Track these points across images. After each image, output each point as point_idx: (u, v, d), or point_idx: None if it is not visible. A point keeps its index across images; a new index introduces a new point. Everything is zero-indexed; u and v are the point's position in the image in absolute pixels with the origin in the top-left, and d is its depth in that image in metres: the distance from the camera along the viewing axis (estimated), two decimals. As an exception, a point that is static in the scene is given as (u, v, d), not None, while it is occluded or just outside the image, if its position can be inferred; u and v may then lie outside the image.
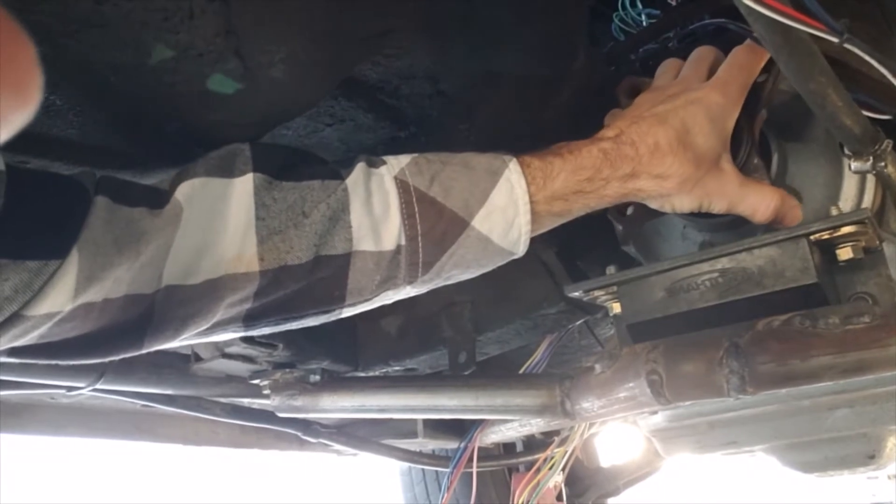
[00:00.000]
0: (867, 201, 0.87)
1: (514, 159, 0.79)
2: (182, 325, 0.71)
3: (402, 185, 0.76)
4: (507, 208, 0.78)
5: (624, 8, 1.04)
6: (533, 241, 0.83)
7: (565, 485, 1.79)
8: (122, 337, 0.68)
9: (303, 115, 0.91)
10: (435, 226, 0.76)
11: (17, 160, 0.82)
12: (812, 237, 0.81)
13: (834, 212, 0.80)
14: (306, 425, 1.58)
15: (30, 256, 0.58)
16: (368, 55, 0.86)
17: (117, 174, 0.89)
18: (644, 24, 1.04)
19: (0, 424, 1.37)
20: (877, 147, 0.78)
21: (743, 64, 0.87)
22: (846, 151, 0.80)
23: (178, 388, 1.30)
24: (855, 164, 0.80)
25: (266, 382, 1.30)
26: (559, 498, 1.77)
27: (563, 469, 1.66)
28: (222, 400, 1.44)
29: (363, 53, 0.84)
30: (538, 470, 1.64)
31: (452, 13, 0.86)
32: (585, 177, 0.80)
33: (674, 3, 1.02)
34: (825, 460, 1.00)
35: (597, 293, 0.95)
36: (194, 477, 3.41)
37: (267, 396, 1.30)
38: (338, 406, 1.25)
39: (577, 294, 0.97)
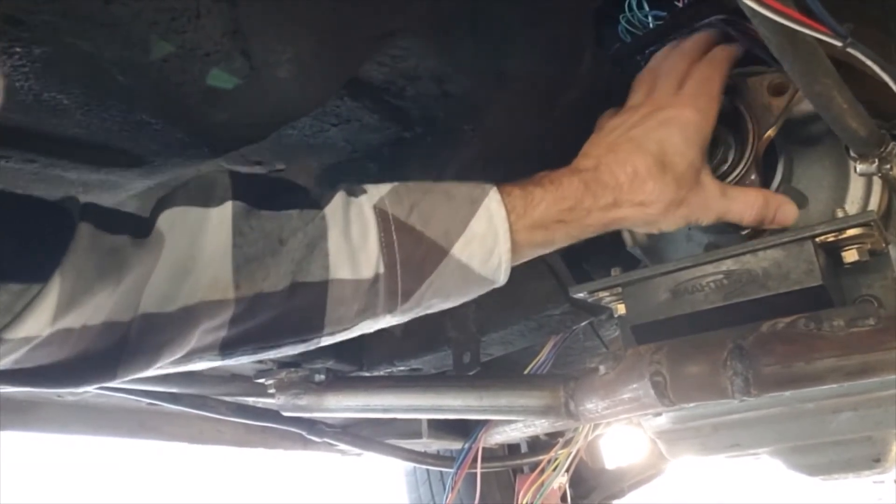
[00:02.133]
0: (873, 204, 0.87)
1: (494, 188, 0.79)
2: (156, 354, 0.70)
3: (380, 213, 0.76)
4: (487, 236, 0.78)
5: (630, 9, 1.04)
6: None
7: (569, 486, 1.78)
8: (96, 365, 0.68)
9: (309, 116, 0.91)
10: (413, 254, 0.76)
11: (26, 158, 0.83)
12: (817, 239, 0.81)
13: (839, 214, 0.80)
14: (311, 424, 1.58)
15: (12, 279, 0.58)
16: (374, 56, 0.86)
17: (124, 173, 0.90)
18: (650, 25, 1.04)
19: (6, 422, 1.37)
20: (882, 149, 0.78)
21: (707, 76, 0.87)
22: (851, 154, 0.80)
23: (184, 387, 1.30)
24: (860, 167, 0.80)
25: (271, 381, 1.30)
26: (563, 499, 1.77)
27: (568, 470, 1.66)
28: (227, 399, 1.44)
29: (369, 54, 0.85)
30: (542, 471, 1.64)
31: (459, 14, 0.86)
32: (567, 206, 0.80)
33: (680, 5, 1.02)
34: (830, 463, 1.00)
35: (601, 294, 0.95)
36: (199, 476, 3.42)
37: (272, 395, 1.31)
38: (342, 405, 1.26)
39: (581, 295, 0.97)
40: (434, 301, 0.80)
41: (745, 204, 0.85)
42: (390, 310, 0.78)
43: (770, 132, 0.88)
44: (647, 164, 0.81)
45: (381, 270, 0.75)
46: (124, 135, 0.83)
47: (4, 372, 0.63)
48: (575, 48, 0.98)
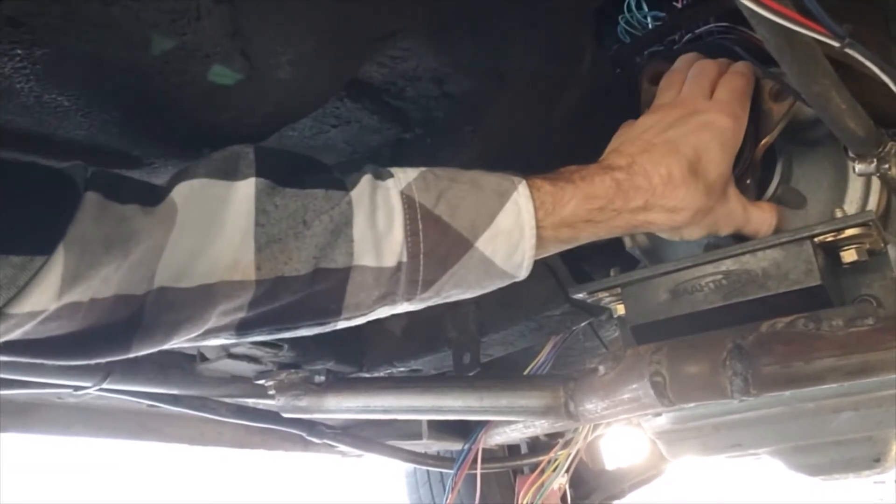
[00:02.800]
0: (872, 204, 0.87)
1: (524, 181, 0.78)
2: (172, 330, 0.69)
3: (407, 200, 0.75)
4: (513, 232, 0.77)
5: (630, 10, 1.04)
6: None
7: (570, 487, 1.79)
8: (109, 339, 0.67)
9: (309, 117, 0.91)
10: (438, 245, 0.75)
11: (28, 160, 0.83)
12: (816, 239, 0.81)
13: (838, 214, 0.80)
14: (311, 426, 1.58)
15: (14, 251, 0.56)
16: (374, 56, 0.86)
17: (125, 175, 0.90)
18: (650, 26, 1.05)
19: (6, 423, 1.37)
20: (880, 149, 0.78)
21: (738, 86, 0.87)
22: (850, 154, 0.81)
23: (184, 389, 1.30)
24: (859, 167, 0.80)
25: (271, 383, 1.30)
26: (563, 500, 1.77)
27: (568, 471, 1.66)
28: (227, 400, 1.44)
29: (369, 55, 0.85)
30: (542, 472, 1.64)
31: (459, 14, 0.86)
32: (597, 206, 0.79)
33: (679, 6, 1.02)
34: (830, 463, 1.00)
35: (601, 295, 0.96)
36: (199, 477, 3.42)
37: (272, 397, 1.30)
38: (342, 407, 1.26)
39: (581, 296, 0.97)
40: (453, 292, 0.79)
41: (762, 220, 0.87)
42: (409, 298, 0.77)
43: (768, 138, 0.89)
44: (681, 169, 0.80)
45: (405, 259, 0.74)
46: (125, 136, 0.84)
47: (15, 343, 0.61)
48: (575, 48, 0.99)
